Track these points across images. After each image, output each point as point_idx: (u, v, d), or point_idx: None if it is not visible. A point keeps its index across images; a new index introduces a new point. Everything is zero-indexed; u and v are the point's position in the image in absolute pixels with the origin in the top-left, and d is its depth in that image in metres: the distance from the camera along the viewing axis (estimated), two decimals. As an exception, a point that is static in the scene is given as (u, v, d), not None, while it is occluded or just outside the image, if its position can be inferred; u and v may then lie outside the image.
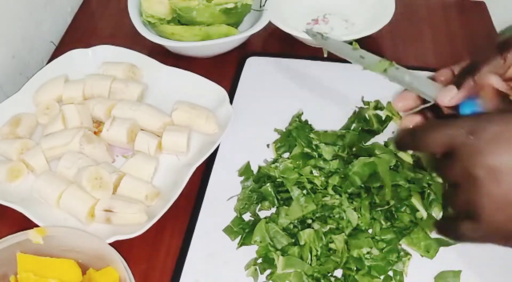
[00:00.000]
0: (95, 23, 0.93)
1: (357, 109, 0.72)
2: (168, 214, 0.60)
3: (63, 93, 0.73)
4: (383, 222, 0.58)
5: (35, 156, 0.65)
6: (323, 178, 0.62)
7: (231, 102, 0.73)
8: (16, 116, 0.70)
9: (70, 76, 0.76)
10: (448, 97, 0.44)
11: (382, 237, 0.57)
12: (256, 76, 0.80)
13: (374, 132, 0.69)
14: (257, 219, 0.61)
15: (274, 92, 0.78)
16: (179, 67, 0.76)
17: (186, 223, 0.63)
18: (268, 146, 0.70)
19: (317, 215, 0.59)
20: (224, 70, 0.82)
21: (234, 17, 0.81)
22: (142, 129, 0.70)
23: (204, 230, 0.62)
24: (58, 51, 0.85)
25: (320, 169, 0.63)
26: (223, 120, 0.70)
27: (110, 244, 0.54)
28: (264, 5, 0.83)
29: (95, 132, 0.70)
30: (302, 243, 0.56)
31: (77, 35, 0.90)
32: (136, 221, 0.60)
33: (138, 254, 0.60)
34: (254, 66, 0.82)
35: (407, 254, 0.58)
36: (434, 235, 0.58)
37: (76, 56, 0.77)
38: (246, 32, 0.80)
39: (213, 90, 0.73)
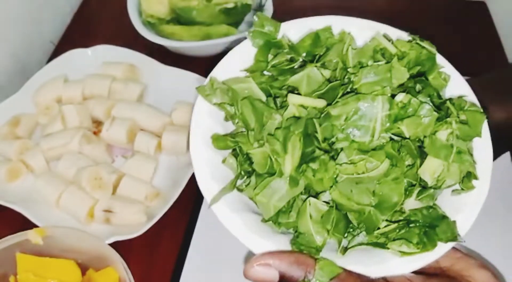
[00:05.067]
0: (95, 23, 0.93)
1: None
2: (168, 214, 0.60)
3: (62, 93, 0.73)
4: None
5: (34, 156, 0.65)
6: None
7: None
8: (15, 117, 0.70)
9: (70, 76, 0.76)
10: None
11: None
12: None
13: None
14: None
15: None
16: (179, 67, 0.76)
17: (186, 223, 0.63)
18: None
19: None
20: (224, 70, 0.81)
21: (234, 17, 0.81)
22: (141, 130, 0.70)
23: (204, 230, 0.62)
24: (58, 51, 0.85)
25: None
26: (223, 120, 0.70)
27: (109, 244, 0.54)
28: (264, 5, 0.83)
29: (94, 133, 0.70)
30: None
31: (77, 35, 0.90)
32: (135, 222, 0.60)
33: (138, 254, 0.60)
34: None
35: None
36: None
37: (75, 56, 0.77)
38: (246, 32, 0.79)
39: (213, 90, 0.73)
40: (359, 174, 0.37)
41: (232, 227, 0.39)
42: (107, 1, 0.96)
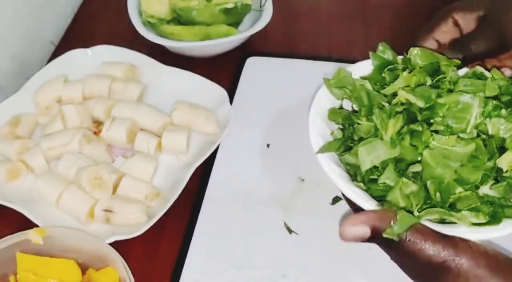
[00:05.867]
0: (95, 23, 0.93)
1: None
2: (168, 214, 0.60)
3: (62, 93, 0.73)
4: None
5: (34, 156, 0.65)
6: None
7: (231, 102, 0.73)
8: (15, 117, 0.70)
9: (70, 76, 0.76)
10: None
11: None
12: (256, 76, 0.80)
13: None
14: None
15: (274, 92, 0.78)
16: (179, 67, 0.76)
17: (186, 223, 0.63)
18: (268, 145, 0.70)
19: None
20: (224, 70, 0.81)
21: (234, 17, 0.81)
22: (141, 129, 0.70)
23: (204, 230, 0.62)
24: (58, 51, 0.85)
25: None
26: (223, 120, 0.70)
27: (109, 244, 0.54)
28: (264, 5, 0.83)
29: (94, 133, 0.70)
30: None
31: (77, 35, 0.90)
32: (135, 221, 0.60)
33: (138, 254, 0.60)
34: (254, 66, 0.82)
35: None
36: None
37: (76, 56, 0.77)
38: (246, 32, 0.80)
39: (213, 90, 0.73)
40: (448, 146, 0.43)
41: (331, 173, 0.46)
42: (107, 1, 0.96)
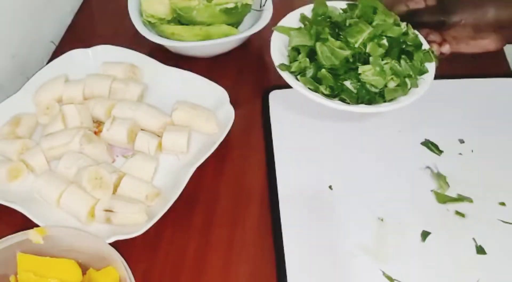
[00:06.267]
0: (95, 23, 0.93)
1: None
2: (169, 214, 0.60)
3: (63, 93, 0.73)
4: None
5: (35, 155, 0.65)
6: None
7: (272, 146, 0.70)
8: (16, 116, 0.70)
9: (70, 76, 0.76)
10: None
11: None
12: (285, 112, 0.75)
13: None
14: None
15: (307, 126, 0.73)
16: (179, 67, 0.76)
17: (186, 223, 0.63)
18: (330, 187, 0.66)
19: None
20: (224, 70, 0.81)
21: (234, 17, 0.81)
22: (142, 129, 0.70)
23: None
24: (58, 51, 0.85)
25: None
26: (223, 120, 0.70)
27: (110, 244, 0.54)
28: (264, 5, 0.83)
29: (95, 132, 0.70)
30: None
31: (77, 35, 0.90)
32: (136, 221, 0.60)
33: (138, 254, 0.60)
34: (278, 101, 0.76)
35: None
36: None
37: (76, 56, 0.77)
38: (246, 32, 0.80)
39: (213, 90, 0.73)
40: (336, 46, 0.63)
41: (273, 47, 0.67)
42: (108, 1, 0.96)
